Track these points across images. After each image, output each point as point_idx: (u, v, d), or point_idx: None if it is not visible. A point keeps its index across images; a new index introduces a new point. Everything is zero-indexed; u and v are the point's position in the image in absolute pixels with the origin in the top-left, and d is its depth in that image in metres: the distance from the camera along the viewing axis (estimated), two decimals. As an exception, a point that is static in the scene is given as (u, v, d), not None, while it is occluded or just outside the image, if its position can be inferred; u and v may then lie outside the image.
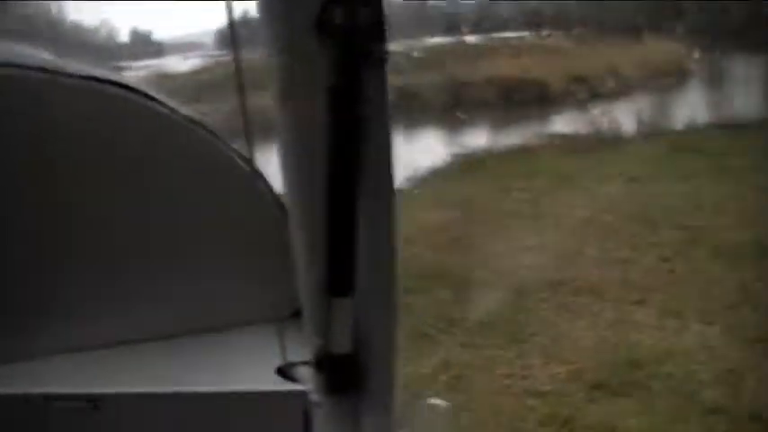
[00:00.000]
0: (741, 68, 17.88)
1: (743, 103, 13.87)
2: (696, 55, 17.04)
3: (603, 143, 10.99)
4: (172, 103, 1.89)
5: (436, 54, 17.11)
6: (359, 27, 0.89)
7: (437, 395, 4.63)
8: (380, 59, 0.93)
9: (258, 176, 1.86)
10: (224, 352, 1.97)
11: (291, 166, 1.00)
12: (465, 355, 5.13)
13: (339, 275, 1.00)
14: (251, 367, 1.83)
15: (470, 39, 20.35)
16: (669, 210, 7.76)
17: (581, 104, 14.51)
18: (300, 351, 1.18)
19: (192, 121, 1.91)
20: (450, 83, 15.37)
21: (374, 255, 1.03)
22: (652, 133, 11.56)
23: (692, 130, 11.54)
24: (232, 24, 1.03)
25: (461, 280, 6.36)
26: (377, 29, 0.91)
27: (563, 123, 13.03)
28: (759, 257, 6.28)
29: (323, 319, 1.03)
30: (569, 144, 11.17)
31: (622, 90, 15.07)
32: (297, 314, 1.11)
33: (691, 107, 13.15)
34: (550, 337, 5.32)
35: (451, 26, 22.56)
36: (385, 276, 1.07)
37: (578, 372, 4.79)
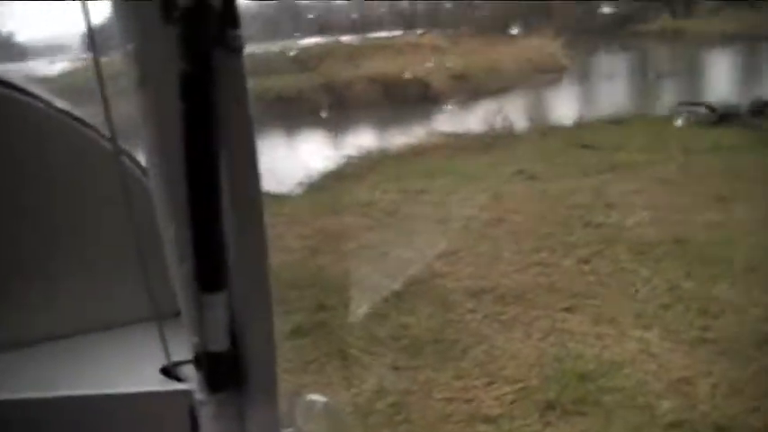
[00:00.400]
0: (610, 65, 18.40)
1: (620, 99, 14.16)
2: (568, 52, 17.36)
3: (498, 141, 10.80)
4: (47, 97, 1.86)
5: (314, 54, 16.64)
6: (207, 11, 0.86)
7: (377, 427, 4.17)
8: (235, 46, 0.90)
9: (142, 172, 1.77)
10: (108, 353, 1.94)
11: (153, 160, 0.97)
12: (399, 379, 4.66)
13: (208, 271, 0.98)
14: (135, 368, 1.81)
15: (346, 38, 20.05)
16: (578, 208, 7.58)
17: (465, 102, 14.41)
18: (186, 350, 1.14)
19: (69, 115, 1.88)
20: (332, 83, 14.96)
21: (243, 248, 1.01)
22: (544, 130, 11.50)
23: (582, 126, 11.54)
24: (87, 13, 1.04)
25: (376, 292, 5.90)
26: (228, 13, 0.88)
27: (451, 122, 12.81)
28: (680, 254, 6.15)
29: (197, 316, 1.02)
30: (464, 143, 10.93)
31: (504, 87, 15.06)
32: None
33: (574, 103, 13.26)
34: (486, 353, 4.93)
35: (325, 26, 22.20)
36: (256, 270, 1.04)
37: (525, 391, 4.41)
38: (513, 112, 12.34)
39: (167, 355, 1.49)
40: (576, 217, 7.29)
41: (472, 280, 6.10)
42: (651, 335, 4.96)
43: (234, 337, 1.04)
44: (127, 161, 1.78)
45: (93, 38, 1.10)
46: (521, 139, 11.02)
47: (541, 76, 16.11)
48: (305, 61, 15.91)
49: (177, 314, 1.12)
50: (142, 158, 1.42)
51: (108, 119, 1.23)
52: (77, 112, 1.97)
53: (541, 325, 5.24)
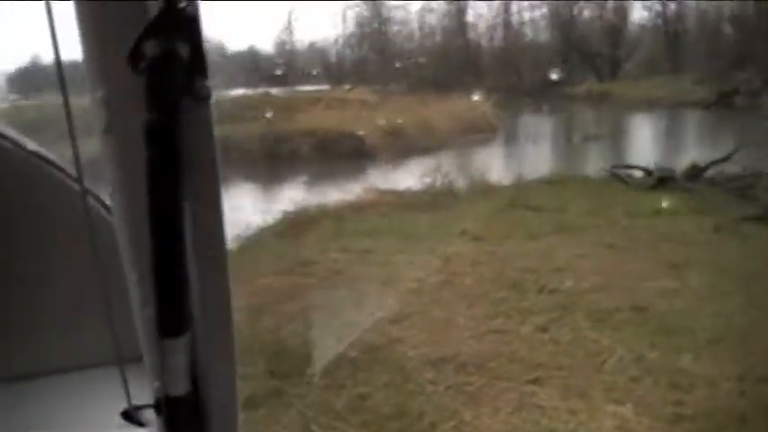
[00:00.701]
0: (539, 126, 18.69)
1: (552, 160, 14.30)
2: (499, 113, 17.59)
3: (438, 199, 10.66)
4: (15, 137, 1.86)
5: (244, 106, 16.34)
6: (175, 61, 0.86)
7: None
8: (202, 95, 0.90)
9: (108, 213, 1.57)
10: (68, 395, 1.93)
11: (118, 205, 0.98)
12: (366, 459, 4.31)
13: (170, 316, 0.96)
14: (96, 411, 1.73)
15: (275, 91, 19.93)
16: (528, 272, 7.41)
17: (399, 159, 14.29)
18: (149, 394, 1.12)
19: (38, 155, 1.87)
20: (265, 135, 14.68)
21: (207, 295, 1.01)
22: (483, 189, 11.42)
23: (521, 186, 11.52)
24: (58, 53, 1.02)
25: (330, 359, 5.55)
26: (196, 63, 0.88)
27: (387, 178, 12.63)
28: (640, 322, 6.01)
29: (158, 361, 1.01)
30: (403, 200, 10.74)
31: (438, 145, 15.04)
32: None
33: (508, 162, 13.28)
34: (456, 429, 4.63)
35: (251, 78, 22.03)
36: (219, 316, 1.05)
37: (505, 473, 4.12)
38: (448, 169, 12.25)
39: (128, 398, 1.42)
40: (528, 281, 7.11)
41: (429, 347, 5.81)
42: (625, 410, 4.74)
43: (196, 383, 1.05)
44: (93, 202, 1.76)
45: (63, 76, 1.06)
46: (462, 199, 10.90)
47: (474, 135, 16.19)
48: (235, 112, 15.60)
49: (141, 358, 1.10)
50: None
51: (75, 158, 1.19)
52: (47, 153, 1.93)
53: (509, 398, 4.97)
